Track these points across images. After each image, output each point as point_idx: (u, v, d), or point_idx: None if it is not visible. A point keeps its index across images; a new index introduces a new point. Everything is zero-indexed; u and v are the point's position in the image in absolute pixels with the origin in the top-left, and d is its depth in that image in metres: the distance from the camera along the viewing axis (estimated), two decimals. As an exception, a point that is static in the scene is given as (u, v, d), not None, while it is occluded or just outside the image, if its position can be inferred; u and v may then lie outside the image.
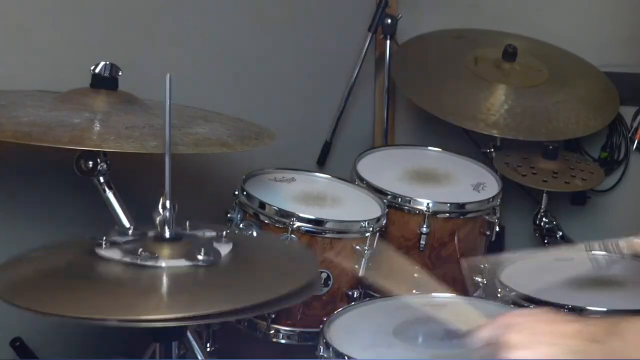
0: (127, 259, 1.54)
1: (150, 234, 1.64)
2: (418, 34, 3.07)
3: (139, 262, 1.53)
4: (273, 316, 2.17)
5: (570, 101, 2.80)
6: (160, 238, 1.60)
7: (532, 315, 1.45)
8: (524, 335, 1.38)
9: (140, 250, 1.55)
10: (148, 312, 1.41)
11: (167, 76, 1.57)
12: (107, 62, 1.95)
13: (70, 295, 1.46)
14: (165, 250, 1.57)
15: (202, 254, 1.56)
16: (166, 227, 1.60)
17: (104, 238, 1.61)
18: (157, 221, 1.60)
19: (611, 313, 2.00)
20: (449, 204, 2.37)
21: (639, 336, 1.32)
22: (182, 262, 1.55)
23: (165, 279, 1.53)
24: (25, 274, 1.57)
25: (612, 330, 1.34)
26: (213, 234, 1.67)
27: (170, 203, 1.59)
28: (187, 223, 1.69)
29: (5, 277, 1.55)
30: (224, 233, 1.65)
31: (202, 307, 1.45)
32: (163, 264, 1.55)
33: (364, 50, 3.06)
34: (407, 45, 3.04)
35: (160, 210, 1.59)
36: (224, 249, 1.63)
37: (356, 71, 3.07)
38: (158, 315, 1.41)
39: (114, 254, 1.57)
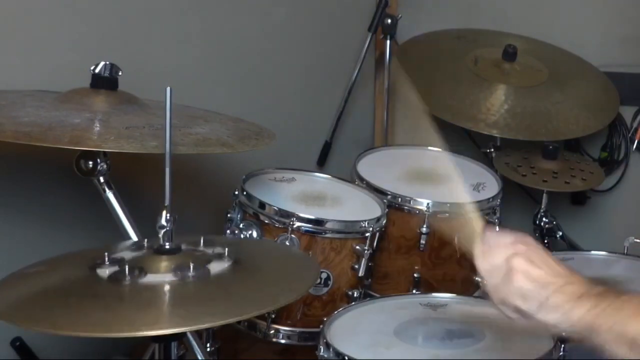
0: (120, 276, 1.54)
1: (151, 246, 1.64)
2: (418, 34, 3.07)
3: (128, 279, 1.52)
4: (273, 316, 2.17)
5: (570, 101, 2.80)
6: (158, 251, 1.60)
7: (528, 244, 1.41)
8: (536, 255, 1.37)
9: (127, 267, 1.54)
10: (147, 328, 1.40)
11: (168, 89, 1.56)
12: (107, 62, 1.94)
13: (69, 314, 1.45)
14: (163, 264, 1.57)
15: (191, 270, 1.55)
16: (165, 240, 1.60)
17: (105, 254, 1.60)
18: (160, 234, 1.59)
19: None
20: (449, 204, 2.37)
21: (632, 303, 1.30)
22: (170, 277, 1.55)
23: (164, 293, 1.52)
24: (23, 293, 1.56)
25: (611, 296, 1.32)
26: (221, 251, 1.66)
27: (170, 215, 1.58)
28: (202, 239, 1.68)
29: (4, 297, 1.54)
30: (226, 251, 1.64)
31: (201, 320, 1.45)
32: (156, 279, 1.54)
33: (364, 50, 3.06)
34: (407, 45, 3.05)
35: (163, 222, 1.58)
36: (221, 265, 1.62)
37: (356, 71, 3.07)
38: (158, 330, 1.40)
39: (111, 269, 1.57)
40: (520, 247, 1.39)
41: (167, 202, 1.60)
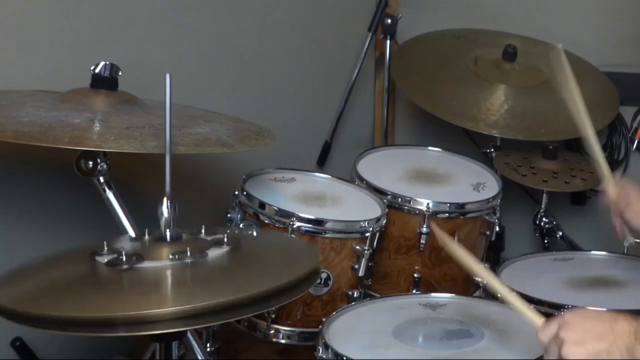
0: (117, 264, 1.55)
1: (152, 235, 1.65)
2: (418, 34, 3.07)
3: (126, 266, 1.53)
4: (273, 316, 2.17)
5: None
6: (160, 240, 1.61)
7: (585, 314, 1.52)
8: (576, 332, 1.44)
9: (124, 255, 1.55)
10: (152, 309, 1.41)
11: (167, 76, 1.57)
12: (107, 62, 1.95)
13: (73, 306, 1.46)
14: (164, 251, 1.58)
15: (189, 254, 1.56)
16: (167, 229, 1.61)
17: (105, 244, 1.61)
18: (161, 222, 1.60)
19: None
20: (449, 204, 2.37)
21: None
22: (168, 262, 1.56)
23: (166, 278, 1.54)
24: (26, 288, 1.56)
25: None
26: (220, 237, 1.66)
27: (170, 203, 1.59)
28: (203, 228, 1.69)
29: (6, 292, 1.54)
30: (225, 237, 1.65)
31: (203, 298, 1.45)
32: (153, 265, 1.55)
33: (364, 50, 3.06)
34: (407, 45, 3.04)
35: (164, 211, 1.59)
36: (220, 250, 1.63)
37: (356, 71, 3.07)
38: (162, 309, 1.41)
39: (111, 259, 1.58)
40: (563, 333, 1.47)
41: (167, 190, 1.61)
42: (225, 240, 1.65)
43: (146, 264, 1.55)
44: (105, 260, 1.57)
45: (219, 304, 1.43)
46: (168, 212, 1.60)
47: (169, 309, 1.41)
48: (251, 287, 1.50)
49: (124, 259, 1.55)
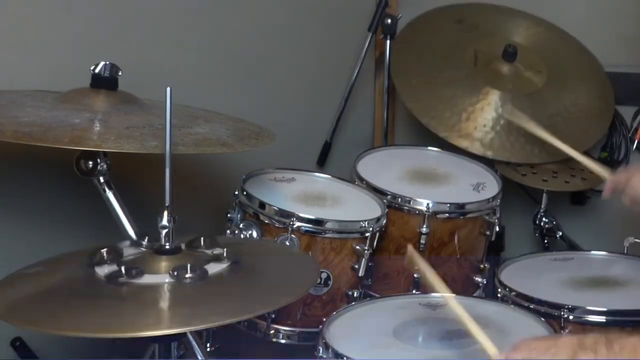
0: (117, 276, 1.55)
1: (151, 245, 1.65)
2: (420, 12, 3.04)
3: (125, 279, 1.53)
4: (273, 316, 2.18)
5: (568, 112, 2.78)
6: (159, 252, 1.61)
7: (534, 339, 1.61)
8: (523, 350, 1.52)
9: (124, 267, 1.55)
10: (148, 328, 1.41)
11: (168, 89, 1.57)
12: (107, 62, 1.95)
13: (69, 315, 1.47)
14: (162, 265, 1.58)
15: (189, 271, 1.56)
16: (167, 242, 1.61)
17: (104, 252, 1.61)
18: (161, 234, 1.61)
19: (611, 313, 2.01)
20: (449, 204, 2.37)
21: (626, 350, 1.45)
22: (167, 279, 1.56)
23: (165, 293, 1.54)
24: (24, 293, 1.56)
25: (603, 342, 1.46)
26: (220, 251, 1.66)
27: (170, 216, 1.59)
28: (202, 240, 1.69)
29: (5, 296, 1.54)
30: (225, 252, 1.65)
31: (202, 320, 1.45)
32: (155, 280, 1.55)
33: (364, 50, 3.06)
34: (406, 33, 3.01)
35: (165, 222, 1.59)
36: (219, 266, 1.63)
37: (356, 71, 3.07)
38: (158, 331, 1.41)
39: (109, 269, 1.58)
40: (512, 354, 1.53)
41: (167, 203, 1.60)
42: (225, 255, 1.64)
43: (146, 279, 1.55)
44: (105, 272, 1.57)
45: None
46: (168, 225, 1.60)
47: (167, 328, 1.42)
48: (251, 309, 1.50)
49: (124, 273, 1.54)
